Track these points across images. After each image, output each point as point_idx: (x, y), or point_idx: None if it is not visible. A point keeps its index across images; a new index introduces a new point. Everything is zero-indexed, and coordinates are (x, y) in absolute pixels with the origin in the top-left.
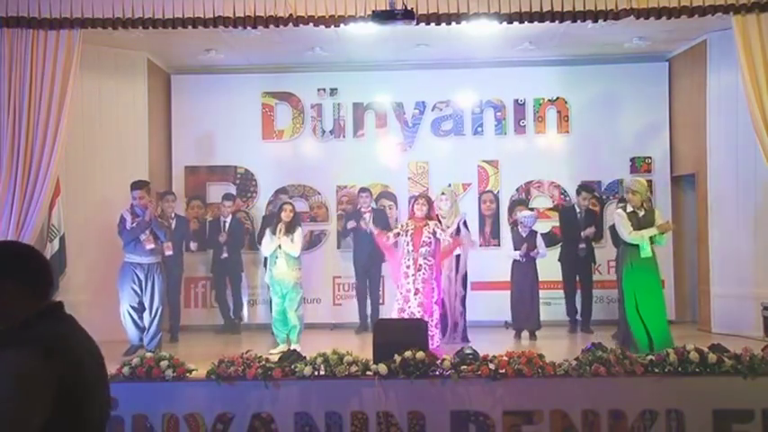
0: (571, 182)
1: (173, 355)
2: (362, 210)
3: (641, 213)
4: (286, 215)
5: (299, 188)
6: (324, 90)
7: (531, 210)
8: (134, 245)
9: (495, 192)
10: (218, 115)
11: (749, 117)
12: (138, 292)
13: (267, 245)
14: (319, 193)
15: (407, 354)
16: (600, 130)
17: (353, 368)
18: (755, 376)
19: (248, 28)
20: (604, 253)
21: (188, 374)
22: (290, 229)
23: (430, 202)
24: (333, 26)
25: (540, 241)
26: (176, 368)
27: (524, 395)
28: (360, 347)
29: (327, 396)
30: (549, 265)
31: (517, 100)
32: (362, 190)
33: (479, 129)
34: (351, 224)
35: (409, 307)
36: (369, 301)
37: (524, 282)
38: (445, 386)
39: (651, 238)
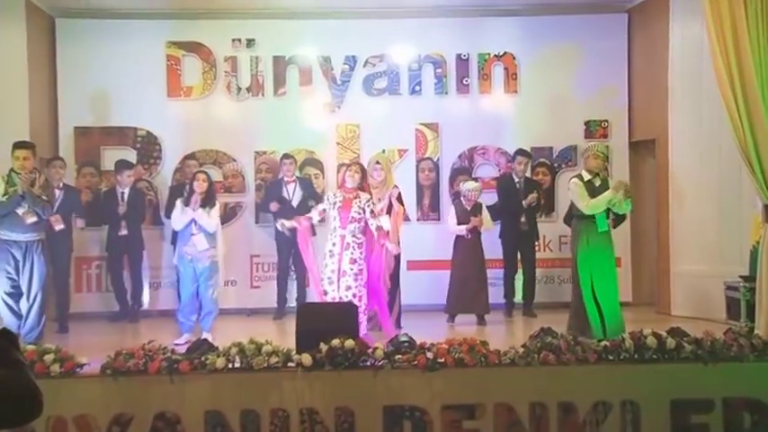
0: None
1: (60, 348)
2: (286, 179)
3: (597, 183)
4: (199, 185)
5: (210, 154)
6: (239, 41)
7: (476, 180)
8: (10, 219)
9: (435, 159)
10: (114, 68)
11: (714, 77)
12: (15, 275)
13: (178, 218)
14: (234, 160)
15: (335, 342)
16: (551, 89)
17: (273, 359)
18: (716, 362)
19: None
20: (556, 228)
21: (78, 370)
22: (206, 202)
23: (363, 171)
24: None
25: (485, 214)
26: (64, 362)
27: (466, 387)
28: (279, 336)
29: (243, 391)
30: (488, 242)
31: (460, 55)
32: (285, 156)
33: (417, 88)
34: (274, 206)
35: (333, 290)
36: (294, 284)
37: (471, 260)
38: (377, 378)
39: (608, 208)
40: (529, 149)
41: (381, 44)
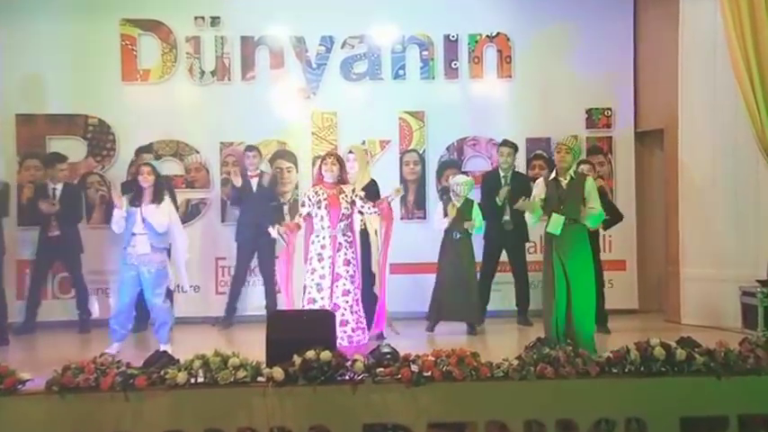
0: (514, 139)
1: None
2: (249, 173)
3: (565, 181)
4: (144, 179)
5: (170, 145)
6: (202, 19)
7: (465, 174)
8: None
9: (421, 151)
10: (61, 49)
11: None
12: None
13: (120, 219)
14: (197, 152)
15: (309, 354)
16: (550, 74)
17: (241, 373)
18: (731, 376)
19: None
20: None
21: (20, 386)
22: (155, 198)
23: (341, 162)
24: None
25: (476, 213)
26: (4, 378)
27: (454, 403)
28: (245, 347)
29: (207, 409)
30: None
31: (448, 36)
32: (248, 148)
33: (401, 72)
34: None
35: (323, 298)
36: (245, 290)
37: (460, 263)
38: (357, 394)
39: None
40: (524, 140)
41: (361, 24)
